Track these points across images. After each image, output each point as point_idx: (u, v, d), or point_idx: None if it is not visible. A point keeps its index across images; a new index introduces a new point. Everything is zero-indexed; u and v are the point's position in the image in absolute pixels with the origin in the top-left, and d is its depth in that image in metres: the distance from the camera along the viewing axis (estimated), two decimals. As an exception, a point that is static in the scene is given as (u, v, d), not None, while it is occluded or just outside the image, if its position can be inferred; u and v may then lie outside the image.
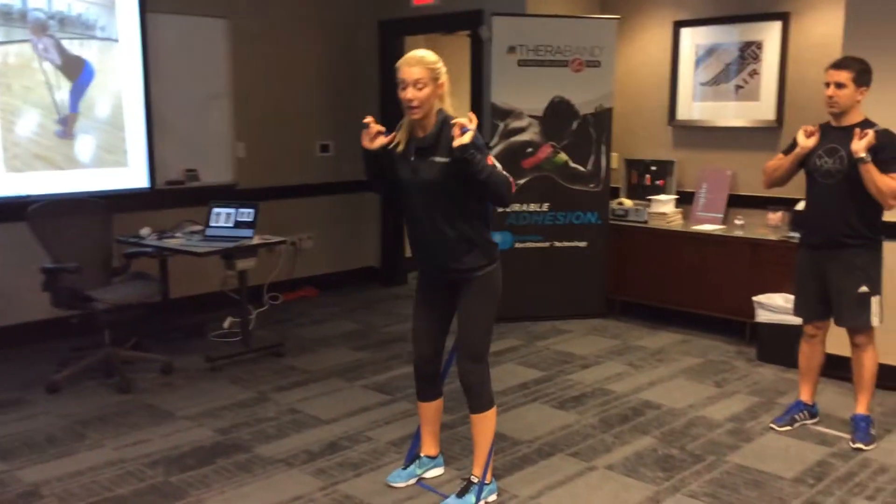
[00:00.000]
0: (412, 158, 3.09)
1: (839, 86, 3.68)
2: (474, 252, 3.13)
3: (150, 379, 4.77)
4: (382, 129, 3.05)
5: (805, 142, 3.81)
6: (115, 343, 4.78)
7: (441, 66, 3.03)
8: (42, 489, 3.41)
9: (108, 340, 4.72)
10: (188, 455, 3.75)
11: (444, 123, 3.03)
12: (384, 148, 3.07)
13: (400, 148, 3.11)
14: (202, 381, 4.75)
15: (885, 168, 3.62)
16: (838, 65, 3.71)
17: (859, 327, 3.82)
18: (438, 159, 3.02)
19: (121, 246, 5.18)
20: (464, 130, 2.88)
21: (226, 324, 5.75)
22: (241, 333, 5.25)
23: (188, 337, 5.59)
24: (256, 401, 4.43)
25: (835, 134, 3.78)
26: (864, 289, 3.77)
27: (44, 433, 3.99)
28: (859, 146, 3.59)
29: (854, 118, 3.75)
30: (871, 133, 3.60)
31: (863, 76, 3.70)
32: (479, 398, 3.24)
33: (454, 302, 3.24)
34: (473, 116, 2.97)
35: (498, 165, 3.01)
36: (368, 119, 3.03)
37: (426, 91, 2.97)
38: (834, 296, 3.84)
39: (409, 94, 2.96)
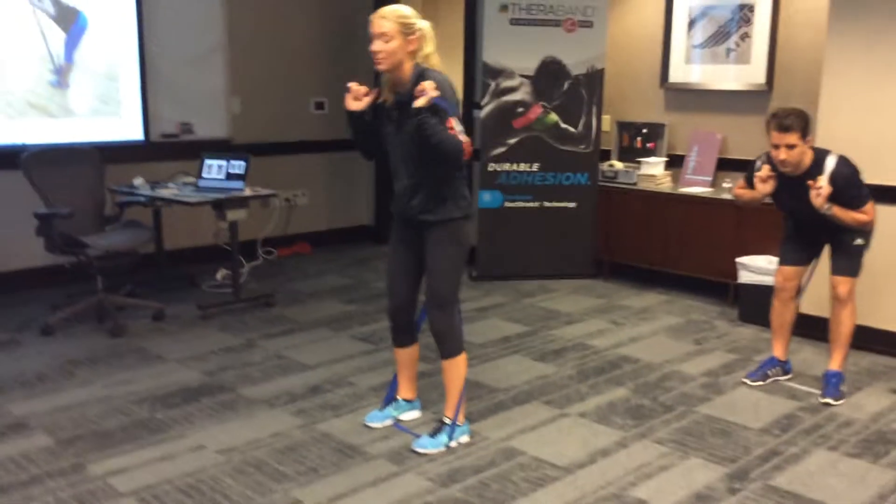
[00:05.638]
0: (395, 113, 3.17)
1: (791, 147, 3.65)
2: (447, 204, 3.21)
3: (143, 325, 4.88)
4: (366, 89, 3.14)
5: (763, 188, 3.81)
6: (108, 290, 4.89)
7: (415, 22, 3.09)
8: (30, 421, 3.54)
9: (101, 286, 4.83)
10: (174, 394, 3.87)
11: (420, 78, 3.06)
12: (369, 108, 3.17)
13: (388, 101, 3.19)
14: (193, 328, 4.86)
15: (851, 206, 3.69)
16: (784, 127, 3.62)
17: (849, 277, 3.87)
18: None
19: (115, 195, 5.27)
20: (419, 95, 2.96)
21: (219, 275, 5.85)
22: (232, 283, 5.35)
23: (182, 287, 5.70)
24: (244, 347, 4.55)
25: (793, 182, 3.76)
26: (859, 241, 3.85)
27: (35, 371, 4.11)
28: (819, 202, 3.62)
29: (806, 163, 3.73)
30: (825, 186, 3.61)
31: (806, 128, 3.67)
32: (447, 344, 3.33)
33: (423, 251, 3.31)
34: (431, 83, 2.99)
35: (458, 128, 3.05)
36: (351, 84, 3.14)
37: (392, 45, 3.05)
38: (831, 247, 3.93)
39: (375, 46, 3.06)
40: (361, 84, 3.15)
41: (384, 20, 3.05)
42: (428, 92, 2.96)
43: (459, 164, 3.12)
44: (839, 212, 3.68)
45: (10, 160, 4.90)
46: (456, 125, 3.05)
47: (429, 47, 3.14)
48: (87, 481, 3.05)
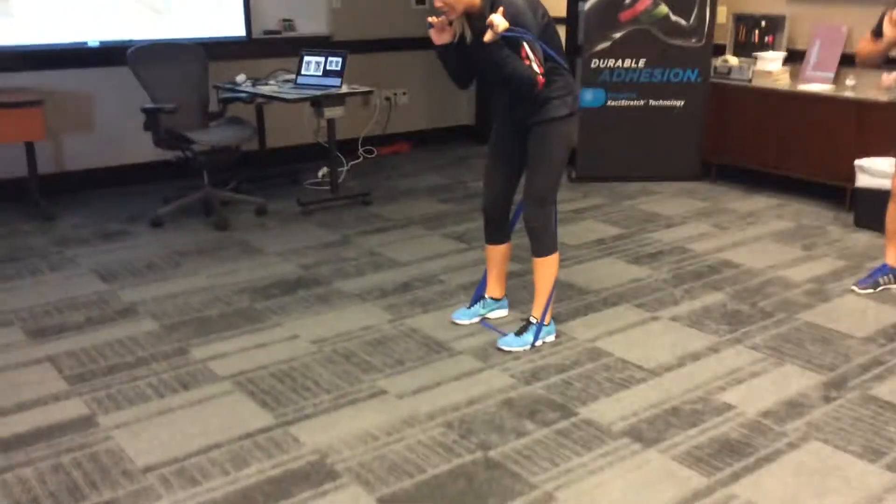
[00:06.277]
0: (476, 41, 3.08)
1: None
2: (551, 103, 3.18)
3: (245, 219, 5.04)
4: (445, 20, 3.08)
5: (893, 33, 3.47)
6: (214, 185, 5.05)
7: None
8: (138, 307, 3.74)
9: (206, 181, 4.99)
10: (272, 286, 4.00)
11: (493, 4, 3.01)
12: (454, 40, 3.14)
13: (468, 36, 3.12)
14: (293, 224, 4.98)
15: None
16: None
17: None
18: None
19: (218, 92, 5.38)
20: (487, 27, 2.94)
21: (320, 173, 5.94)
22: (330, 181, 5.43)
23: (283, 184, 5.83)
24: (340, 243, 4.64)
25: None
26: None
27: (145, 260, 4.33)
28: None
29: None
30: None
31: None
32: (540, 242, 3.30)
33: (525, 148, 3.27)
34: (498, 15, 2.94)
35: (532, 56, 2.97)
36: (431, 19, 3.10)
37: None
38: None
39: (438, 2, 3.01)
40: (439, 16, 3.10)
41: None
42: (495, 26, 2.91)
43: (526, 95, 3.07)
44: None
45: (117, 56, 5.04)
46: (530, 53, 2.97)
47: None
48: (189, 364, 3.22)
